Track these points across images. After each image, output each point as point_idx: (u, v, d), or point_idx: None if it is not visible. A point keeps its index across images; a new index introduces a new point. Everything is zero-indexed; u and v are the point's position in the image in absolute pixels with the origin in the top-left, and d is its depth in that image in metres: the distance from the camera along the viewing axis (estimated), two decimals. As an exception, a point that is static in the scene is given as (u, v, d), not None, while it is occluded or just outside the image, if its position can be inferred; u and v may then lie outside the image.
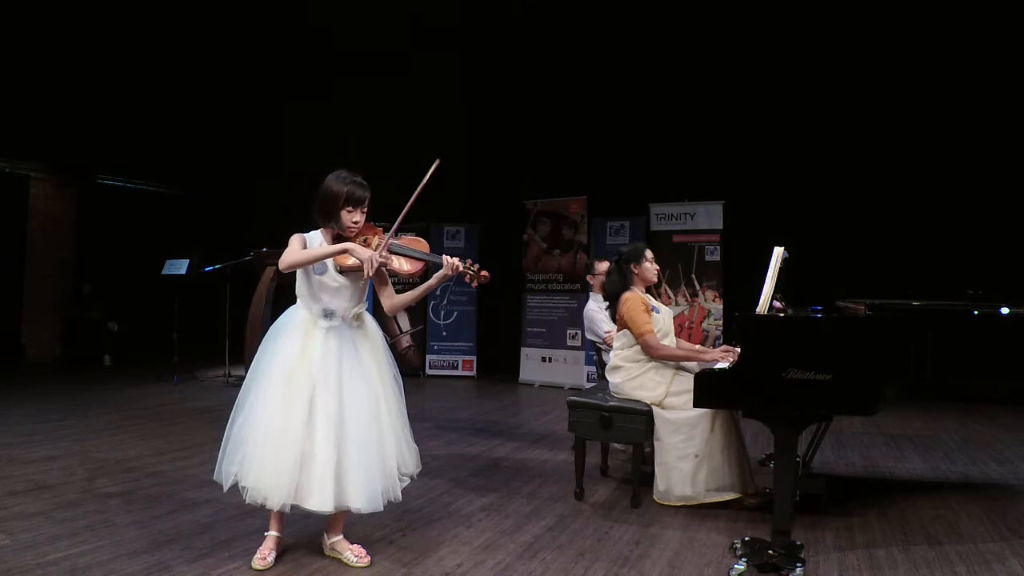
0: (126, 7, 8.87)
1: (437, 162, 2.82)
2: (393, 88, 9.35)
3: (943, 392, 6.77)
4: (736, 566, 2.90)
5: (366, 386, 2.88)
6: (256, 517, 3.12)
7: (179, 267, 8.28)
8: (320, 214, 2.90)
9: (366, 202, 2.88)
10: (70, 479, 4.13)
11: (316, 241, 2.92)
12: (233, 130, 10.33)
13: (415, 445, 3.05)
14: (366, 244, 2.90)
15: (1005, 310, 3.06)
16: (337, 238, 2.91)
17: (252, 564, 2.88)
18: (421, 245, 3.01)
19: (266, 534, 2.97)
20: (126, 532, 3.28)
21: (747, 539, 3.07)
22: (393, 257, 2.89)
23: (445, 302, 9.14)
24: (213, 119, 10.35)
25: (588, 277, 5.44)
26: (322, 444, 2.75)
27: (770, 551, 2.93)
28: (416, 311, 9.20)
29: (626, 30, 8.31)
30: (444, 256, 2.91)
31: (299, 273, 2.91)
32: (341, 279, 2.90)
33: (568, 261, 8.55)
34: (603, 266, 5.08)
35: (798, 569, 2.85)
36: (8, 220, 9.70)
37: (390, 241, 2.89)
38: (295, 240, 2.88)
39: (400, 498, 2.92)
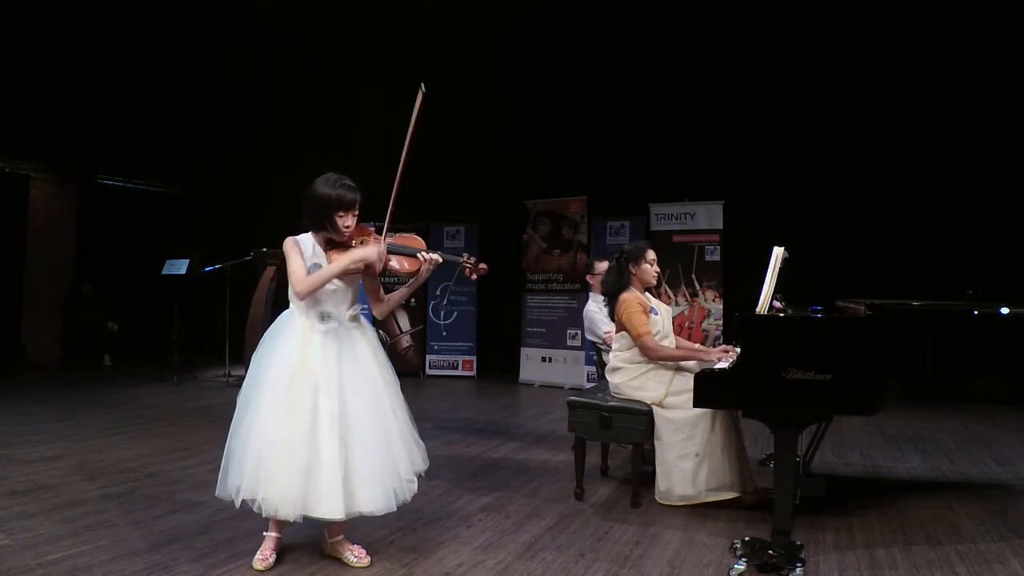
0: (126, 8, 8.87)
1: (422, 91, 2.82)
2: (393, 89, 9.34)
3: (943, 392, 6.77)
4: (736, 566, 2.90)
5: (369, 387, 2.86)
6: (255, 517, 3.12)
7: (179, 267, 8.28)
8: (311, 220, 2.87)
9: (356, 205, 2.86)
10: (70, 479, 4.13)
11: (308, 244, 2.89)
12: (233, 130, 10.33)
13: (421, 441, 3.04)
14: (363, 245, 2.90)
15: (1005, 310, 3.07)
16: (329, 242, 2.90)
17: (253, 565, 2.88)
18: (415, 241, 3.01)
19: (265, 535, 2.97)
20: (126, 532, 3.28)
21: (747, 539, 3.07)
22: (392, 257, 2.90)
23: (445, 302, 9.14)
24: (213, 120, 10.35)
25: (588, 277, 5.44)
26: (327, 450, 2.71)
27: (770, 551, 2.93)
28: (416, 311, 9.21)
29: (626, 30, 8.31)
30: (423, 253, 2.92)
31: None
32: (338, 282, 2.88)
33: (568, 261, 8.55)
34: (603, 265, 5.07)
35: (798, 569, 2.85)
36: (8, 220, 9.71)
37: (387, 240, 2.91)
38: (292, 252, 2.83)
39: (409, 499, 2.91)
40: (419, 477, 3.01)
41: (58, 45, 8.94)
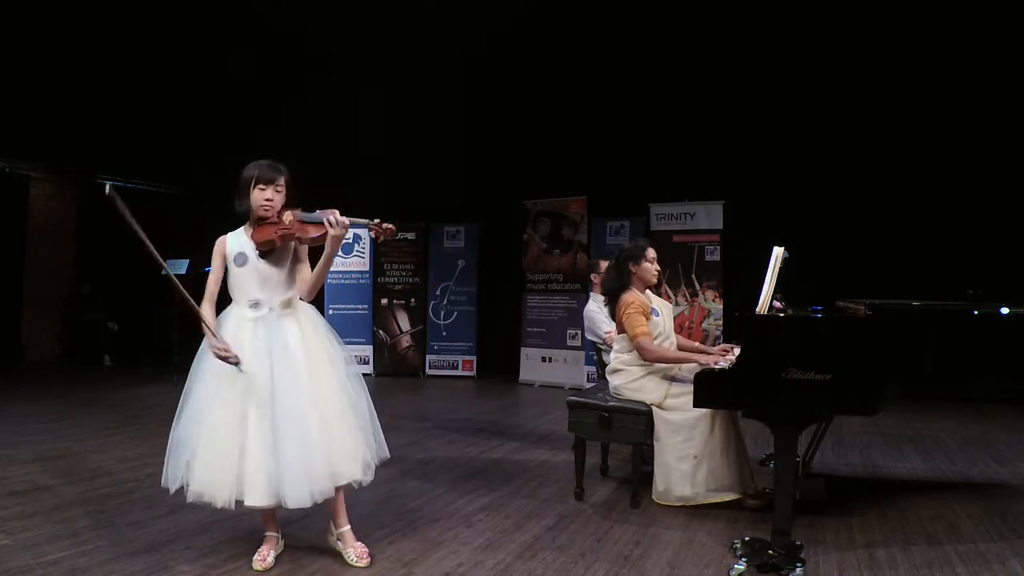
0: (126, 8, 8.87)
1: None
2: (393, 88, 9.35)
3: (943, 392, 6.76)
4: (736, 566, 2.90)
5: (294, 380, 2.81)
6: (255, 517, 3.12)
7: (179, 267, 8.27)
8: (237, 200, 2.92)
9: (278, 181, 2.88)
10: (70, 479, 4.13)
11: (239, 236, 2.93)
12: (232, 130, 10.32)
13: (370, 438, 2.94)
14: (279, 220, 2.90)
15: (1005, 310, 3.06)
16: (258, 221, 2.91)
17: (252, 565, 2.88)
18: (331, 212, 2.93)
19: (264, 535, 2.98)
20: (126, 532, 3.28)
21: (747, 539, 3.07)
22: (299, 225, 2.87)
23: (445, 302, 9.15)
24: (213, 120, 10.34)
25: (592, 276, 5.44)
26: (255, 439, 2.73)
27: (770, 551, 2.93)
28: (416, 311, 9.21)
29: (626, 30, 8.31)
30: (329, 216, 2.83)
31: (228, 269, 2.91)
32: (263, 266, 2.88)
33: (568, 261, 8.55)
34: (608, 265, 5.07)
35: (798, 569, 2.85)
36: (8, 220, 9.71)
37: (302, 213, 2.91)
38: (213, 257, 2.92)
39: (331, 493, 2.84)
40: (374, 472, 2.95)
41: (58, 45, 8.94)
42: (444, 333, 9.16)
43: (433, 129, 9.17)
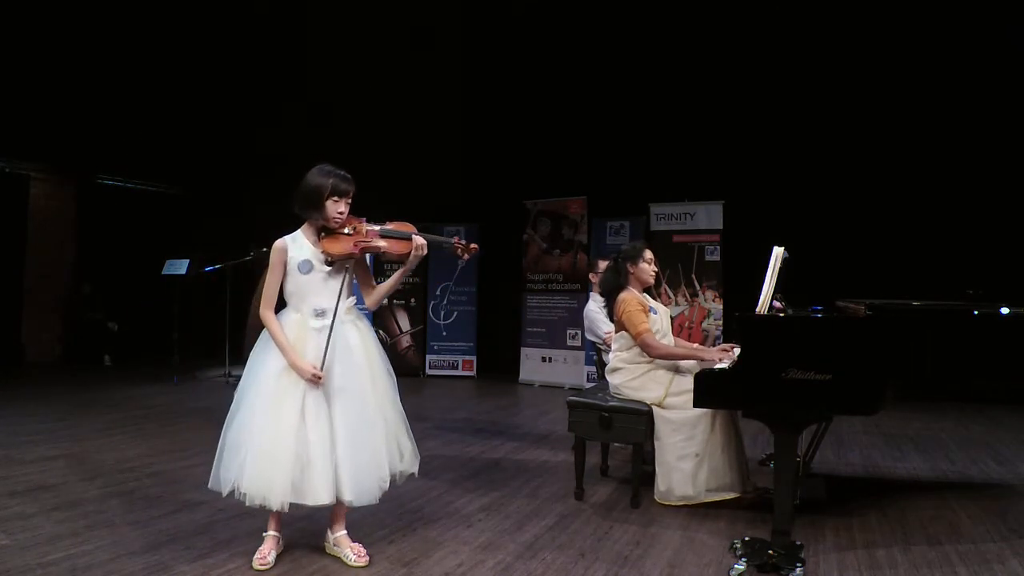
0: (125, 7, 8.87)
1: None
2: (392, 88, 9.35)
3: (943, 392, 6.76)
4: (736, 566, 2.90)
5: (357, 385, 2.89)
6: (255, 517, 3.13)
7: (179, 267, 8.28)
8: (304, 206, 2.90)
9: (350, 194, 2.90)
10: (70, 479, 4.13)
11: (299, 241, 2.92)
12: (232, 130, 10.33)
13: (412, 439, 3.05)
14: (355, 232, 2.92)
15: (1005, 310, 3.07)
16: (322, 230, 2.92)
17: (252, 564, 2.88)
18: (407, 227, 3.00)
19: (265, 534, 2.98)
20: (126, 532, 3.28)
21: (747, 539, 3.07)
22: (383, 240, 2.92)
23: (445, 302, 9.14)
24: (213, 119, 10.34)
25: (591, 275, 5.45)
26: (315, 444, 2.77)
27: (770, 551, 2.93)
28: (416, 311, 9.21)
29: (626, 30, 8.31)
30: (415, 235, 2.91)
31: (286, 275, 2.90)
32: (329, 274, 2.90)
33: (568, 261, 8.55)
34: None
35: (798, 569, 2.85)
36: (8, 220, 9.70)
37: (379, 227, 2.94)
38: (273, 266, 2.88)
39: (386, 487, 2.93)
40: (412, 476, 3.06)
41: (58, 45, 8.94)
42: (444, 333, 9.16)
43: (433, 129, 9.16)
